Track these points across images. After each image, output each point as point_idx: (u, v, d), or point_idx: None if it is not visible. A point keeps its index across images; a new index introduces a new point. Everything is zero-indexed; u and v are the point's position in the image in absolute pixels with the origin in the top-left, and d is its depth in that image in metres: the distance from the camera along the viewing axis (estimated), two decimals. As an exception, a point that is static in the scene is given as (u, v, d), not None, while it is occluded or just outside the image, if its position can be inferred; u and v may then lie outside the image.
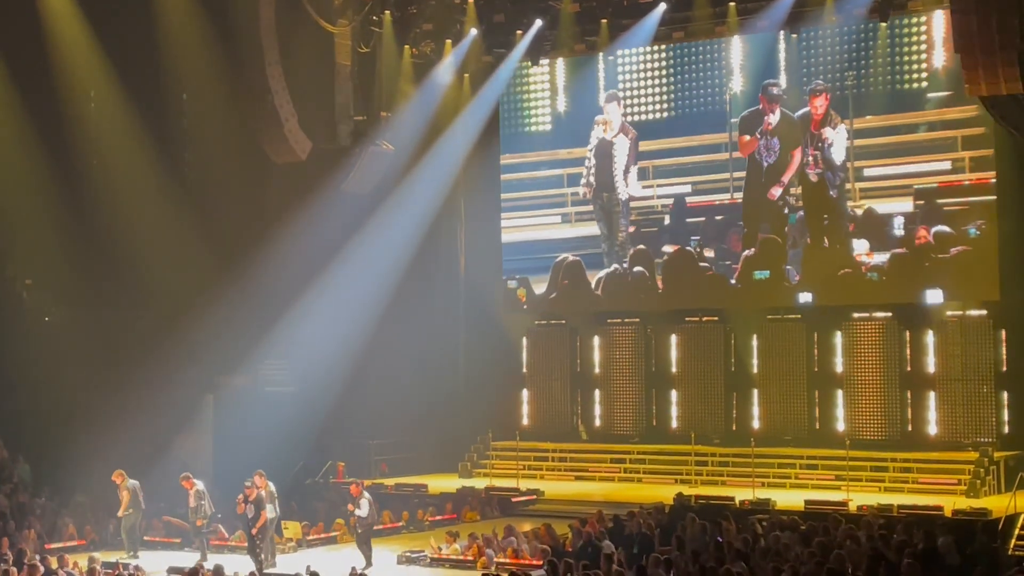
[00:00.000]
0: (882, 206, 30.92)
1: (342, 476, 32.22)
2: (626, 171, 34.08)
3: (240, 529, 24.77)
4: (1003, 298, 29.74)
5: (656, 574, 18.19)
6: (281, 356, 33.57)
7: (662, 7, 32.18)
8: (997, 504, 25.33)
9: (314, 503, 29.74)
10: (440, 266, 36.62)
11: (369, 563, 23.46)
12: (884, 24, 30.49)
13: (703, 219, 33.27)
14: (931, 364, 30.80)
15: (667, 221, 33.76)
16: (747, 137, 32.52)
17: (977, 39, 25.28)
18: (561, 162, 35.14)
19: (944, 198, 30.19)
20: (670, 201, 33.70)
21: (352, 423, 33.67)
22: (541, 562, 20.89)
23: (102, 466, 26.76)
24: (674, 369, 34.03)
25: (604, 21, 32.96)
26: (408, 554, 24.14)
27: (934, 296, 30.34)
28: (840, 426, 31.53)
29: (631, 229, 34.05)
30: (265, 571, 22.41)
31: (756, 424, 32.67)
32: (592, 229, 34.59)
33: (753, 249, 32.36)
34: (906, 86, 30.82)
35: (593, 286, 34.41)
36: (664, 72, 33.81)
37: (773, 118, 32.08)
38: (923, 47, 30.49)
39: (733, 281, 32.62)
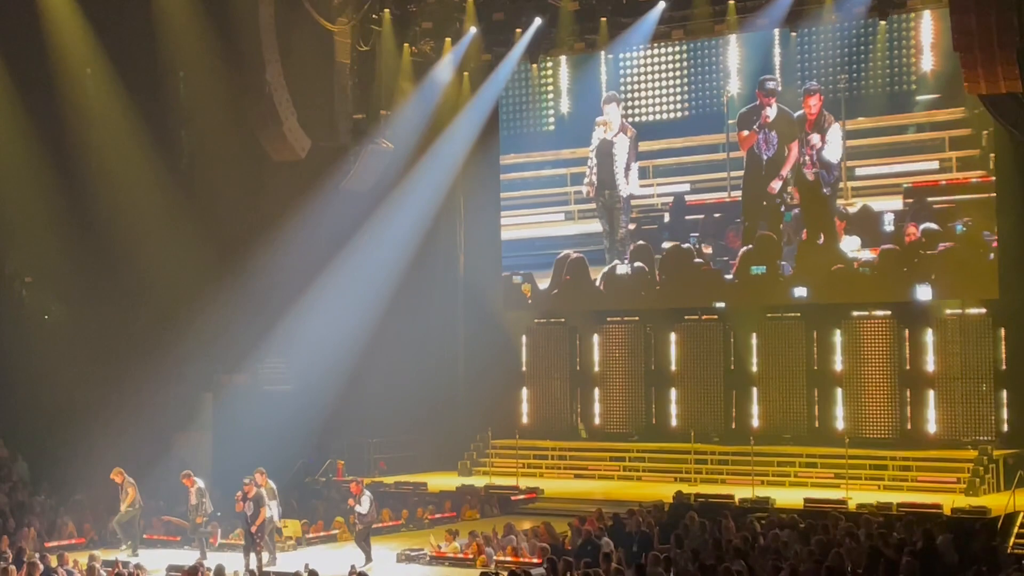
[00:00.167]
0: (873, 204, 31.10)
1: (342, 474, 32.23)
2: (627, 169, 34.16)
3: (240, 527, 24.74)
4: (1002, 296, 29.78)
5: (655, 572, 18.17)
6: (280, 354, 33.56)
7: (661, 5, 32.24)
8: (996, 502, 25.32)
9: (313, 501, 29.77)
10: (439, 265, 36.64)
11: (369, 560, 23.47)
12: (884, 23, 30.55)
13: (702, 216, 33.34)
14: (930, 362, 30.84)
15: (667, 219, 33.84)
16: (745, 132, 32.62)
17: (976, 37, 25.32)
18: (564, 161, 35.21)
19: (932, 196, 30.34)
20: (670, 199, 33.78)
21: (352, 421, 33.67)
22: (541, 560, 20.88)
23: (101, 464, 26.74)
24: (673, 367, 34.07)
25: (603, 19, 33.02)
26: (408, 552, 24.15)
27: (923, 292, 30.43)
28: (839, 424, 31.56)
29: (631, 226, 34.12)
30: (265, 569, 22.41)
31: (755, 422, 32.70)
32: (594, 226, 34.69)
33: (750, 245, 32.44)
34: (896, 88, 30.96)
35: (596, 282, 34.46)
36: (664, 74, 33.86)
37: (771, 111, 32.22)
38: (912, 50, 30.64)
39: (730, 276, 32.70)
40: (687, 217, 33.56)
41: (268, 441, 29.08)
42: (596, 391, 35.07)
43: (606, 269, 34.38)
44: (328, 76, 33.06)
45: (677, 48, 33.56)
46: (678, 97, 33.75)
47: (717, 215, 33.20)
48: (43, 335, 32.57)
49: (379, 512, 25.68)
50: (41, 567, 20.00)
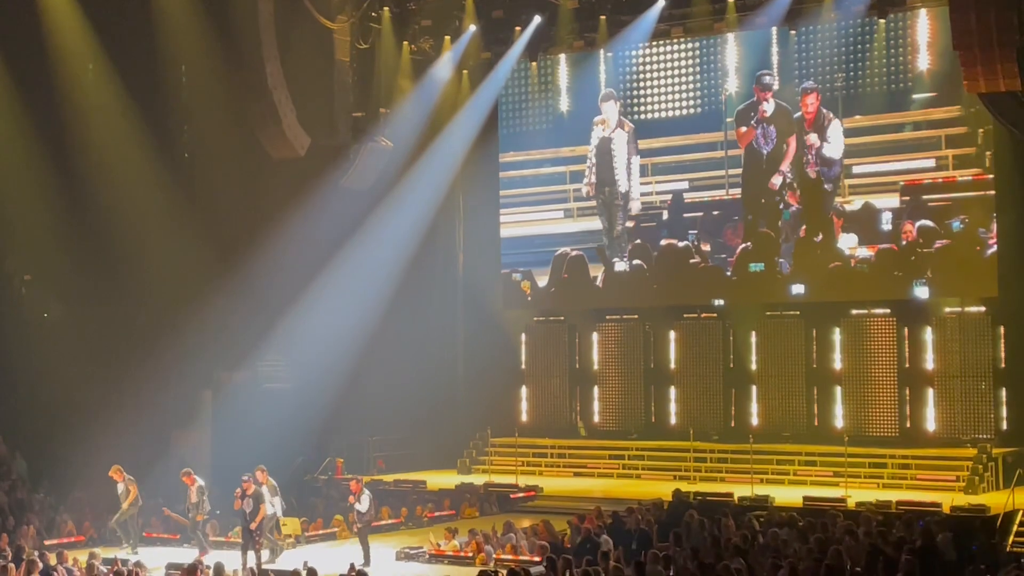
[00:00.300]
0: (871, 202, 31.09)
1: (341, 472, 32.24)
2: (628, 164, 34.15)
3: (238, 525, 24.74)
4: (1002, 294, 29.79)
5: (655, 570, 18.17)
6: (280, 352, 33.57)
7: (661, 3, 32.26)
8: (995, 501, 25.33)
9: (312, 499, 29.77)
10: (439, 262, 36.66)
11: (366, 559, 23.44)
12: (883, 21, 30.57)
13: (701, 214, 33.35)
14: (930, 360, 30.84)
15: (665, 216, 33.84)
16: (743, 128, 32.65)
17: (976, 36, 25.32)
18: (563, 159, 35.23)
19: (929, 194, 30.38)
20: (668, 197, 33.78)
21: (351, 419, 33.67)
22: (540, 558, 20.88)
23: (101, 462, 26.72)
24: (673, 365, 34.07)
25: (603, 18, 33.04)
26: (407, 550, 24.14)
27: (920, 290, 30.44)
28: (839, 423, 31.57)
29: (630, 224, 34.13)
30: (265, 567, 22.41)
31: (755, 420, 32.70)
32: (594, 224, 34.69)
33: (749, 243, 32.45)
34: (893, 86, 30.99)
35: (596, 280, 34.47)
36: (663, 72, 33.86)
37: (768, 106, 32.28)
38: (909, 48, 30.68)
39: (728, 273, 32.74)
40: (685, 215, 33.59)
41: (268, 439, 29.09)
42: (595, 389, 35.08)
43: (605, 267, 34.46)
44: (328, 74, 33.06)
45: (676, 47, 33.56)
46: (677, 95, 33.75)
47: (716, 212, 33.22)
48: (42, 333, 32.58)
49: (378, 511, 25.67)
50: (40, 565, 19.99)
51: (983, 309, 30.37)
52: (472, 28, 34.18)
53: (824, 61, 31.74)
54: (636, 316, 34.64)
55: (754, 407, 32.82)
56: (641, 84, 34.15)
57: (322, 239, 32.50)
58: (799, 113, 31.88)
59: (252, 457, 25.12)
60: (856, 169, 31.35)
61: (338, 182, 33.07)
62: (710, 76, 33.28)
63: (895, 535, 20.55)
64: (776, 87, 32.20)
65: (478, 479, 31.63)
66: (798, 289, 32.00)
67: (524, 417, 35.55)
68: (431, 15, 34.58)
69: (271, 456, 26.23)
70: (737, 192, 32.93)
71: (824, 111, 31.52)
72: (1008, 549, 23.00)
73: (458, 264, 36.97)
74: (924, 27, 30.46)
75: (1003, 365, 30.20)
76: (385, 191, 34.13)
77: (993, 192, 29.73)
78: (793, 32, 31.85)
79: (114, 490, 25.52)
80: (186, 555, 23.10)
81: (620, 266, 34.23)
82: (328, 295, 32.64)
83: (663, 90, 33.86)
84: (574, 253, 34.85)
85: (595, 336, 35.20)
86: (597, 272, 34.56)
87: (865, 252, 31.07)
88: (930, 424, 30.71)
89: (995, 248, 29.60)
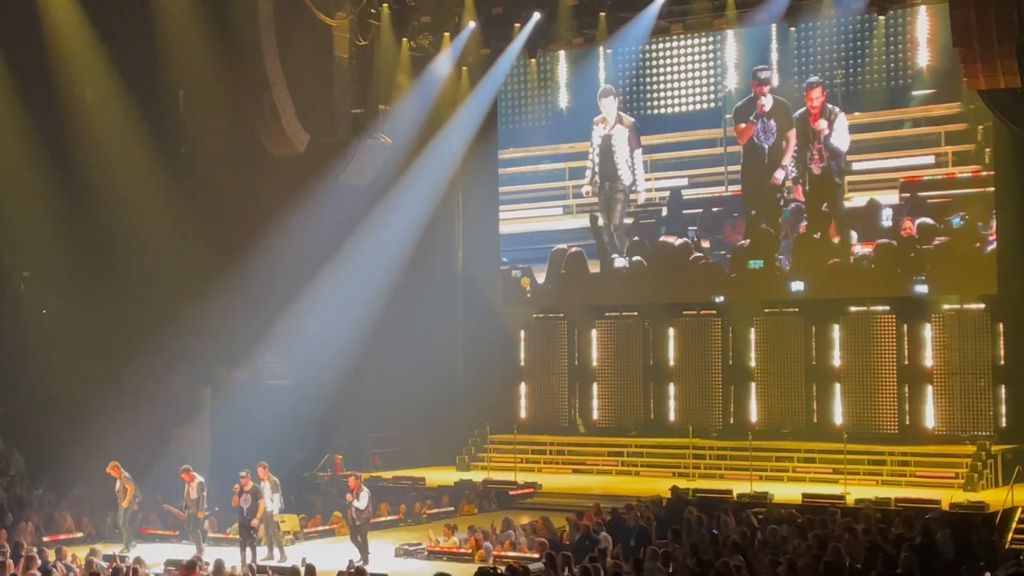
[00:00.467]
0: (875, 198, 31.08)
1: (340, 469, 32.23)
2: (630, 158, 34.14)
3: (237, 522, 24.72)
4: (1001, 292, 29.78)
5: (653, 567, 18.18)
6: (279, 349, 33.57)
7: (660, 0, 32.18)
8: (994, 498, 25.35)
9: (311, 496, 29.76)
10: (438, 260, 36.65)
11: (365, 556, 23.43)
12: (882, 17, 30.57)
13: (700, 211, 33.35)
14: (929, 358, 30.82)
15: (664, 213, 33.83)
16: (743, 124, 32.63)
17: (975, 33, 25.34)
18: (563, 156, 35.22)
19: (928, 191, 30.37)
20: (667, 193, 33.77)
21: (350, 416, 33.68)
22: (539, 555, 20.89)
23: (100, 459, 26.66)
24: (672, 362, 34.06)
25: (602, 14, 33.05)
26: (406, 547, 24.12)
27: (920, 287, 30.45)
28: (838, 420, 31.56)
29: (628, 220, 34.13)
30: (262, 563, 22.41)
31: (754, 417, 32.69)
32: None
33: (748, 240, 32.45)
34: (892, 83, 30.99)
35: (594, 273, 34.46)
36: (663, 69, 33.85)
37: (766, 101, 32.32)
38: (908, 45, 30.68)
39: (727, 269, 32.75)
40: (684, 211, 33.58)
41: (267, 436, 29.09)
42: (594, 386, 35.06)
43: (604, 263, 34.45)
44: (327, 71, 33.05)
45: (676, 43, 33.55)
46: (676, 92, 33.74)
47: (715, 209, 33.23)
48: (41, 330, 32.56)
49: (376, 508, 25.66)
50: (39, 561, 19.98)
51: (982, 306, 30.35)
52: (471, 24, 34.18)
53: (824, 58, 31.76)
54: (635, 313, 34.63)
55: (753, 404, 32.80)
56: (641, 81, 34.16)
57: (321, 236, 32.48)
58: (804, 108, 31.82)
59: (251, 454, 25.10)
60: (856, 166, 31.35)
61: (337, 179, 33.06)
62: (710, 73, 33.30)
63: (894, 532, 20.56)
64: (774, 83, 32.23)
65: (477, 476, 31.63)
66: (797, 286, 32.05)
67: (523, 414, 35.54)
68: (430, 11, 34.60)
69: (270, 453, 26.23)
70: (737, 189, 32.93)
71: (830, 106, 31.52)
72: (1007, 546, 23.03)
73: (457, 261, 36.97)
74: (924, 24, 30.50)
75: (1002, 362, 30.19)
76: (384, 188, 34.11)
77: (993, 189, 29.77)
78: (793, 29, 31.88)
79: (113, 487, 25.51)
80: (184, 552, 23.09)
81: (619, 262, 34.22)
82: (327, 292, 32.63)
83: (663, 87, 33.87)
84: (573, 250, 34.84)
85: (594, 333, 35.19)
86: (595, 269, 34.53)
87: (864, 249, 31.05)
88: (929, 421, 30.70)
89: (995, 245, 29.63)
